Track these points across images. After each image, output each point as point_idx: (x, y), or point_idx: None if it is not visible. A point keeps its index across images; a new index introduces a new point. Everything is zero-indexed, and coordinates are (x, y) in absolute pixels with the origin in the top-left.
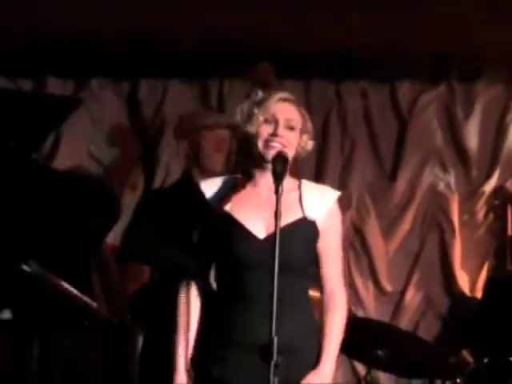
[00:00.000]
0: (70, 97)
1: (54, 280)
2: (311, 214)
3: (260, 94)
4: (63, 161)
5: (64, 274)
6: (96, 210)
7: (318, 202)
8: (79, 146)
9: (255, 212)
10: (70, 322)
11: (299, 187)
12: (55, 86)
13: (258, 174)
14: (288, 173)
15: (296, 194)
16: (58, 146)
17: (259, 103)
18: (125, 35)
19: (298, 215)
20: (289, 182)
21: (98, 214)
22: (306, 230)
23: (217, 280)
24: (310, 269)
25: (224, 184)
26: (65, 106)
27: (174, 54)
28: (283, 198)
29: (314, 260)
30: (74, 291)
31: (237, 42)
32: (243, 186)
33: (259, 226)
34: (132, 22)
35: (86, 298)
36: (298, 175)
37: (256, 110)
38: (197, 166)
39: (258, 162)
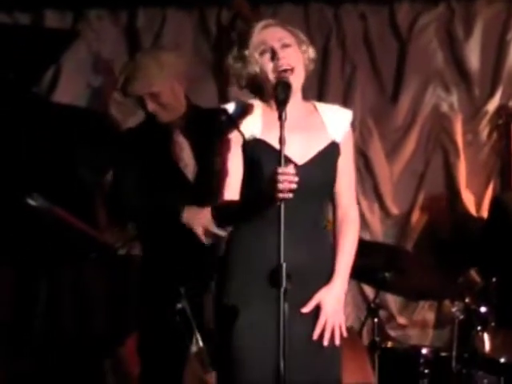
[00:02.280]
0: (67, 29)
1: (60, 212)
2: (337, 137)
3: (241, 32)
4: (63, 94)
5: (69, 207)
6: (98, 141)
7: (339, 123)
8: (79, 79)
9: (289, 138)
10: (77, 253)
11: (316, 109)
12: (53, 19)
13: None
14: (301, 95)
15: (317, 117)
16: (57, 79)
17: (245, 43)
18: None
19: (327, 139)
20: (304, 105)
21: (100, 145)
22: (333, 154)
23: None
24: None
25: (240, 106)
26: (62, 39)
27: None
28: (307, 121)
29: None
30: (80, 223)
31: None
32: (268, 113)
33: (295, 152)
34: None
35: (91, 230)
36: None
37: (247, 51)
38: (161, 109)
39: (271, 97)
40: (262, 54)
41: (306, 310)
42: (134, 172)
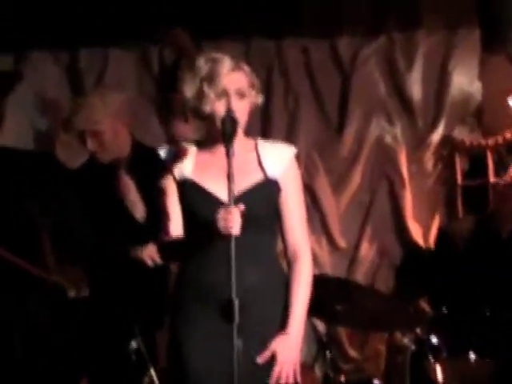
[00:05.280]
0: (10, 71)
1: (6, 255)
2: (272, 174)
3: (204, 65)
4: (8, 136)
5: (16, 249)
6: (43, 182)
7: (277, 160)
8: (23, 120)
9: (218, 177)
10: (22, 292)
11: (256, 147)
12: None
13: (214, 140)
14: (243, 134)
15: (254, 155)
16: (2, 122)
17: (207, 79)
18: (61, 4)
19: (259, 176)
20: (245, 143)
21: (47, 185)
22: (268, 190)
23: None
24: (274, 224)
25: (173, 150)
26: (5, 81)
27: (113, 21)
28: (242, 160)
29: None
30: (27, 264)
31: (173, 5)
32: (202, 152)
33: (223, 190)
34: None
35: (39, 271)
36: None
37: (206, 88)
38: (102, 149)
39: (211, 131)
40: (217, 97)
41: (260, 360)
42: (79, 212)
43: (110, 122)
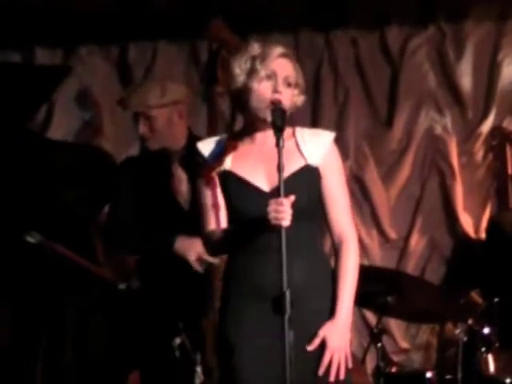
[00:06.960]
0: (59, 65)
1: (59, 249)
2: (312, 160)
3: (257, 46)
4: (58, 129)
5: (67, 243)
6: (94, 177)
7: (316, 147)
8: (72, 114)
9: (257, 167)
10: (76, 288)
11: (294, 135)
12: (44, 56)
13: (253, 130)
14: None
15: (292, 142)
16: (51, 115)
17: (259, 58)
18: None
19: (299, 163)
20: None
21: (97, 180)
22: (309, 177)
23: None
24: (317, 213)
25: (218, 144)
26: (55, 75)
27: (162, 14)
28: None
29: (320, 205)
30: (80, 259)
31: None
32: (240, 144)
33: (263, 180)
34: None
35: (91, 265)
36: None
37: (258, 65)
38: (152, 135)
39: (253, 117)
40: (267, 77)
41: (310, 347)
42: (130, 204)
43: (165, 111)
